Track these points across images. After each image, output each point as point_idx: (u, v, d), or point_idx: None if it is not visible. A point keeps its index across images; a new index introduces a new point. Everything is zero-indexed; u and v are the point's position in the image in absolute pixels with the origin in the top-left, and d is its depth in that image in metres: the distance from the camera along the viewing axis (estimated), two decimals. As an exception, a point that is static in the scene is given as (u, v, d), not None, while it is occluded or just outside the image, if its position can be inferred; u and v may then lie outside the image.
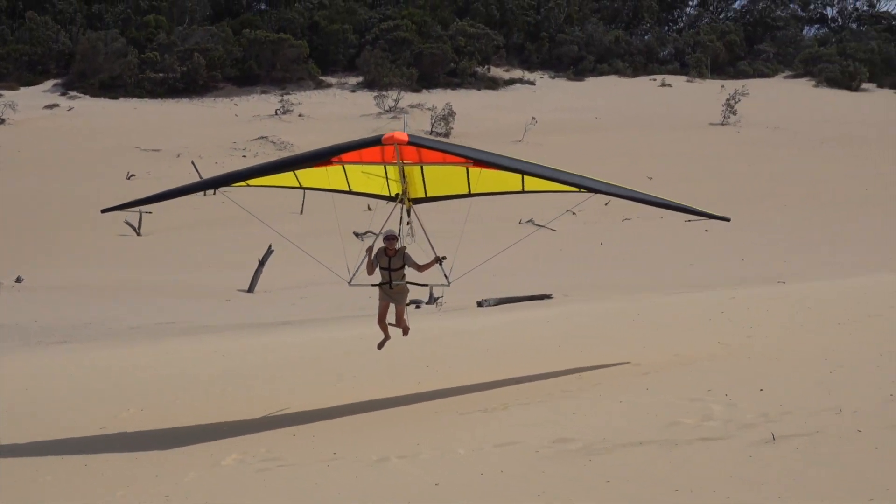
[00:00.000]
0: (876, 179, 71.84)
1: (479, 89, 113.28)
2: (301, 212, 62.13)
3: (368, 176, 18.36)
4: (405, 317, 18.69)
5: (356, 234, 56.43)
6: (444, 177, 18.17)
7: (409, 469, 12.36)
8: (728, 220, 18.98)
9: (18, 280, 43.88)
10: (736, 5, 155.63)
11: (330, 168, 17.66)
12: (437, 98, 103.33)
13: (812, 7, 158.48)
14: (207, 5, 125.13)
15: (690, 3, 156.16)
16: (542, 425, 14.02)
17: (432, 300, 36.35)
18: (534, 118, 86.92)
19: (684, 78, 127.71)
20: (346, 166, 17.70)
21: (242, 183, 17.49)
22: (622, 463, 10.97)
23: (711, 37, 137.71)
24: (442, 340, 25.16)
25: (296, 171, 17.80)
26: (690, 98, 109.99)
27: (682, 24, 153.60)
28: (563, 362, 19.83)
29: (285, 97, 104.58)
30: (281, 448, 14.61)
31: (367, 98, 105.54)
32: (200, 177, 68.37)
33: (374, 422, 16.05)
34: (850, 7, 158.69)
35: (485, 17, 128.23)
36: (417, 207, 18.71)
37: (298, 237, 54.60)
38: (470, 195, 18.91)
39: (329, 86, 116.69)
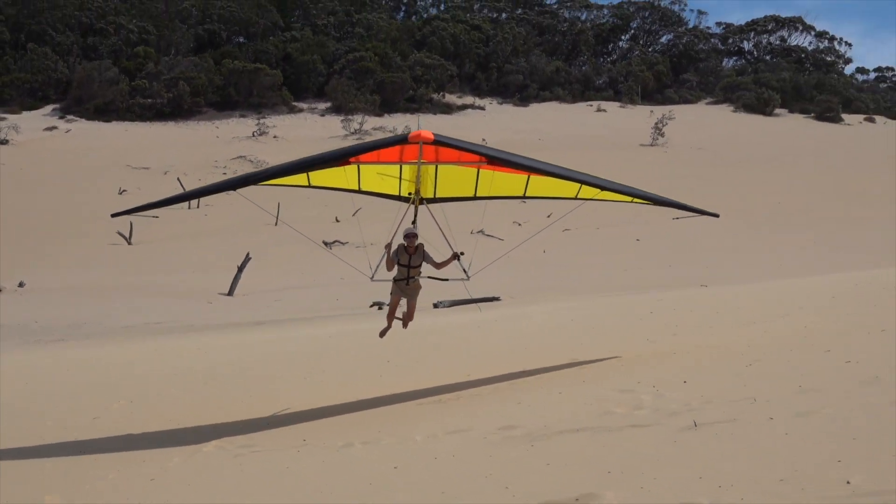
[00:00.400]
0: (787, 193, 72.41)
1: (434, 114, 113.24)
2: (276, 223, 61.99)
3: (381, 177, 17.60)
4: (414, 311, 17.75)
5: (325, 243, 56.42)
6: (454, 178, 17.53)
7: (370, 454, 12.35)
8: (717, 215, 19.33)
9: (21, 285, 43.80)
10: (663, 39, 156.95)
11: (346, 168, 16.79)
12: (398, 121, 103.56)
13: (731, 41, 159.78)
14: (191, 38, 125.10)
15: (623, 37, 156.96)
16: (489, 414, 14.04)
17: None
18: (484, 139, 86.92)
19: (618, 104, 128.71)
20: (361, 166, 16.88)
21: (251, 185, 16.16)
22: (561, 447, 10.98)
23: (642, 67, 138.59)
24: (401, 338, 25.12)
25: (308, 173, 16.86)
26: (623, 122, 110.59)
27: (615, 56, 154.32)
28: (510, 358, 19.86)
29: (261, 121, 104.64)
30: (256, 436, 14.59)
31: (334, 122, 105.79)
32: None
33: (339, 412, 16.02)
34: (764, 41, 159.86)
35: (440, 50, 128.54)
36: (432, 207, 18.01)
37: (273, 246, 54.82)
38: (475, 198, 18.45)
39: (301, 110, 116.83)
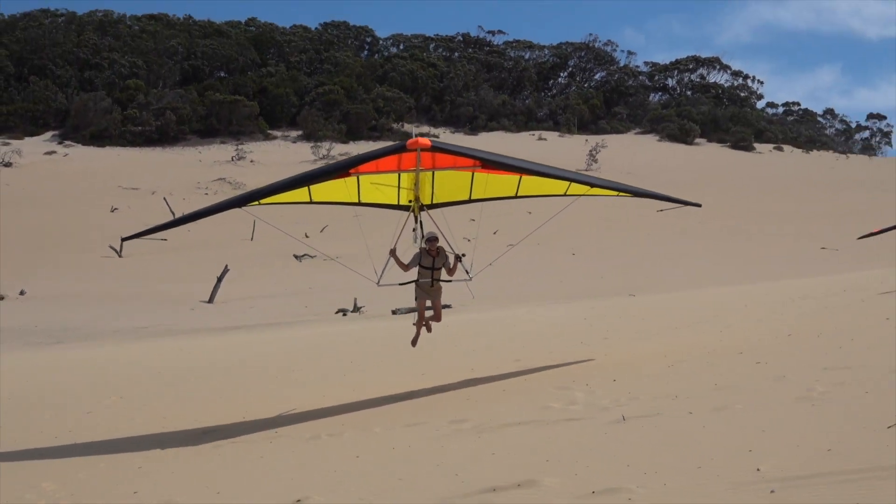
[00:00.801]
0: (704, 213, 72.77)
1: (394, 141, 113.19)
2: (251, 238, 61.78)
3: (378, 187, 16.49)
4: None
5: (296, 257, 56.28)
6: (450, 183, 16.65)
7: (335, 444, 12.30)
8: (699, 205, 18.57)
9: (22, 293, 43.59)
10: (597, 76, 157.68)
11: (346, 180, 15.71)
12: (362, 148, 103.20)
13: (657, 78, 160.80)
14: (177, 73, 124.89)
15: (561, 74, 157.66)
16: (441, 409, 14.03)
17: (356, 309, 36.26)
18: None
19: (557, 133, 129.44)
20: (360, 178, 15.78)
21: (255, 203, 15.06)
22: (505, 439, 10.98)
23: (578, 101, 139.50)
24: (364, 341, 25.09)
25: (310, 186, 15.78)
26: (561, 149, 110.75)
27: (555, 91, 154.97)
28: (460, 359, 19.86)
29: (239, 147, 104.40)
30: (233, 428, 14.50)
31: (305, 148, 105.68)
32: (171, 211, 68.03)
33: (308, 407, 15.94)
34: (686, 79, 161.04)
35: (399, 84, 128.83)
36: (432, 211, 16.98)
37: (249, 259, 54.66)
38: (470, 201, 17.68)
39: (275, 138, 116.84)
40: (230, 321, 34.75)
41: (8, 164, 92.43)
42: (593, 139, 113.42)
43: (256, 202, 14.95)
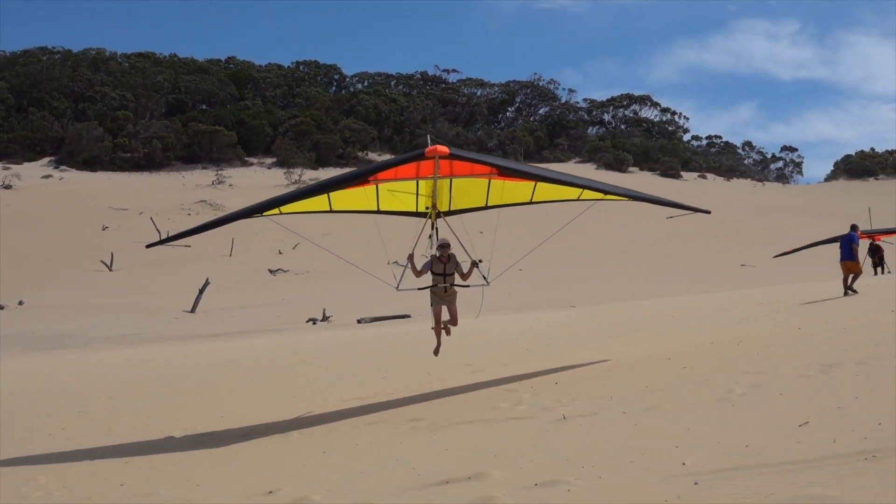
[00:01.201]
0: (634, 234, 73.29)
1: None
2: (230, 254, 61.44)
3: (396, 194, 15.43)
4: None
5: (270, 271, 56.00)
6: (467, 190, 15.65)
7: (304, 440, 12.23)
8: (709, 212, 17.90)
9: (20, 303, 43.39)
10: (541, 111, 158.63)
11: (366, 188, 14.89)
12: (330, 174, 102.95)
13: (594, 113, 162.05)
14: (163, 105, 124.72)
15: (509, 109, 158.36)
16: (400, 409, 13.99)
17: (325, 318, 36.16)
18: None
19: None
20: (379, 186, 14.90)
21: (275, 211, 14.13)
22: (457, 435, 10.95)
23: (524, 133, 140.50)
24: (329, 348, 24.98)
25: (329, 194, 14.71)
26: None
27: (503, 124, 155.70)
28: (418, 364, 19.82)
29: (219, 172, 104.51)
30: (213, 426, 14.38)
31: (278, 174, 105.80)
32: (157, 229, 67.85)
33: (280, 406, 15.85)
34: (620, 114, 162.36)
35: (364, 117, 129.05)
36: (448, 218, 15.85)
37: (228, 273, 54.38)
38: (486, 207, 16.50)
39: (251, 164, 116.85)
40: (210, 329, 34.62)
41: (8, 187, 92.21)
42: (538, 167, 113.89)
43: (277, 210, 14.16)
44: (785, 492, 6.19)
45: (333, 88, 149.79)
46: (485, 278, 15.06)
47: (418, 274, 15.03)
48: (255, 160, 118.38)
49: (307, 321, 35.97)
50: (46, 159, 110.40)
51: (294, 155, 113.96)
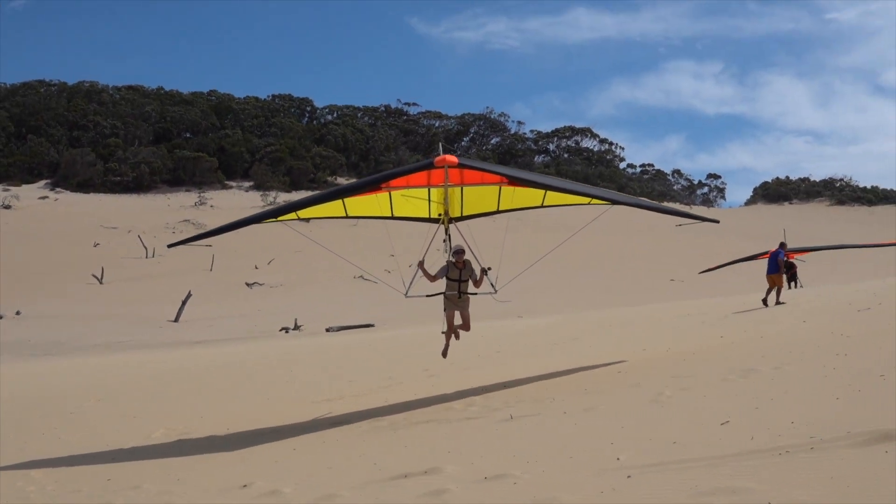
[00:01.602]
0: (581, 251, 73.61)
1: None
2: (211, 269, 60.99)
3: (410, 200, 14.71)
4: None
5: (247, 284, 55.64)
6: (478, 196, 15.00)
7: (276, 438, 12.15)
8: (717, 221, 17.01)
9: (18, 313, 43.07)
10: (493, 141, 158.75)
11: (378, 195, 14.25)
12: (302, 196, 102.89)
13: (540, 143, 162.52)
14: (150, 133, 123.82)
15: (464, 139, 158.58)
16: (362, 410, 13.97)
17: (296, 327, 36.01)
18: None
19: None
20: (392, 193, 14.26)
21: (293, 215, 13.58)
22: (415, 434, 10.93)
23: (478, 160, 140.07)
24: (300, 354, 24.89)
25: (344, 200, 14.14)
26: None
27: (459, 152, 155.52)
28: (379, 369, 19.79)
29: (201, 194, 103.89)
30: (192, 426, 14.27)
31: (255, 196, 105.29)
32: (144, 246, 67.50)
33: (255, 407, 15.75)
34: (563, 144, 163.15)
35: (333, 145, 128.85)
36: (459, 225, 15.23)
37: (209, 286, 54.00)
38: (498, 212, 15.89)
39: (231, 187, 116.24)
40: (193, 337, 34.47)
41: (7, 207, 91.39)
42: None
43: (294, 214, 13.57)
44: (708, 483, 6.22)
45: (306, 119, 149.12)
46: (493, 286, 14.38)
47: (433, 279, 14.19)
48: (234, 184, 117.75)
49: (280, 330, 35.80)
50: (43, 182, 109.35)
51: (270, 179, 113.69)
